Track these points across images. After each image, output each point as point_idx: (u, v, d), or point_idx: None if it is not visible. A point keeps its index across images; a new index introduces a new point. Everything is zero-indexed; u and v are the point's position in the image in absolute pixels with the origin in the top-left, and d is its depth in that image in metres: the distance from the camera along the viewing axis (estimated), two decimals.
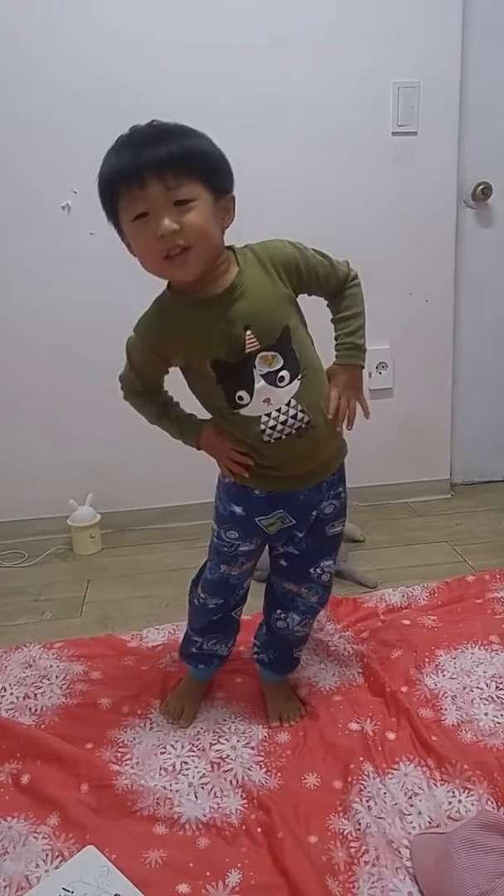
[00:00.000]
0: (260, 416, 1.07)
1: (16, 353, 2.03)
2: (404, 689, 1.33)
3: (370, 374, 2.20)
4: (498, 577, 1.75)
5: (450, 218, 2.12)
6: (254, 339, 1.03)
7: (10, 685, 1.40)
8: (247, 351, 1.03)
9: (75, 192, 1.91)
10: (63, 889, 0.97)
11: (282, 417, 1.07)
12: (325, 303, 1.16)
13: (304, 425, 1.09)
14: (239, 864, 1.01)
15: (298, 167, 1.97)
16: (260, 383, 1.05)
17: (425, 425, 2.29)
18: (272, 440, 1.08)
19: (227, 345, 1.03)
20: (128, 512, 2.16)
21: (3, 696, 1.37)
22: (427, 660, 1.41)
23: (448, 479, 2.37)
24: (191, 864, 1.01)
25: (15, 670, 1.45)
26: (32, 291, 1.97)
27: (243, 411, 1.07)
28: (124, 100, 1.86)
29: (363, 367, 1.16)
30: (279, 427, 1.07)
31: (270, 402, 1.06)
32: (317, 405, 1.10)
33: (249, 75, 1.87)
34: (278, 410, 1.06)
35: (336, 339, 1.15)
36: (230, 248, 1.07)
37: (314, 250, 1.11)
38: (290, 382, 1.06)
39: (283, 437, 1.08)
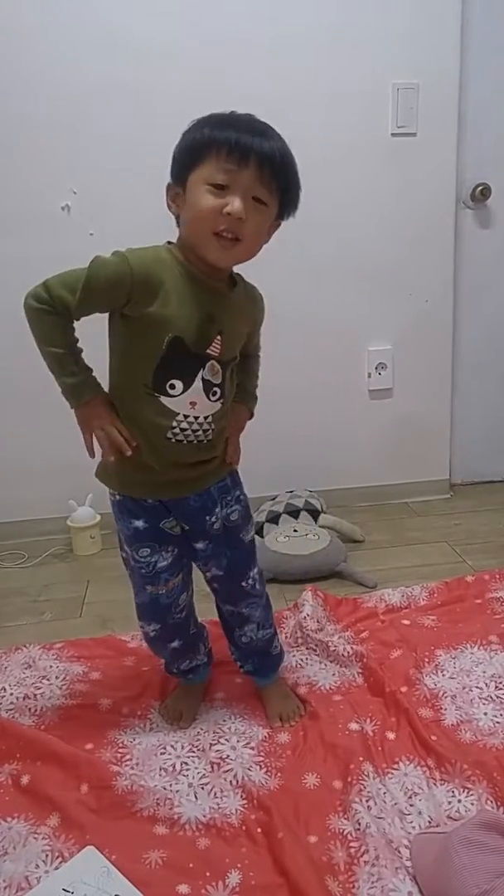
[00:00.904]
0: (177, 414, 1.06)
1: (15, 353, 2.02)
2: (404, 688, 1.33)
3: (369, 375, 2.20)
4: (497, 577, 1.75)
5: (449, 219, 2.12)
6: (218, 347, 1.05)
7: (9, 686, 1.40)
8: (207, 352, 1.04)
9: (75, 193, 1.92)
10: (63, 890, 0.97)
11: (194, 426, 1.08)
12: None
13: (205, 441, 1.10)
14: (239, 865, 1.01)
15: (298, 169, 1.96)
16: (198, 384, 1.05)
17: (425, 426, 2.29)
18: (173, 440, 1.07)
19: (198, 334, 1.03)
20: None
21: (2, 697, 1.37)
22: (427, 660, 1.41)
23: (447, 479, 2.38)
24: (191, 865, 1.01)
25: (15, 671, 1.45)
26: None
27: (164, 399, 1.04)
28: (124, 100, 1.87)
29: (251, 417, 1.26)
30: (188, 432, 1.08)
31: (195, 406, 1.06)
32: (223, 433, 1.15)
33: (249, 76, 1.87)
34: (195, 418, 1.07)
35: (242, 387, 1.21)
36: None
37: None
38: (217, 400, 1.09)
39: (185, 442, 1.08)
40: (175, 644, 1.28)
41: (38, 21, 1.79)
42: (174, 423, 1.06)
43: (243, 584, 1.24)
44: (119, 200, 1.91)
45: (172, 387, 1.04)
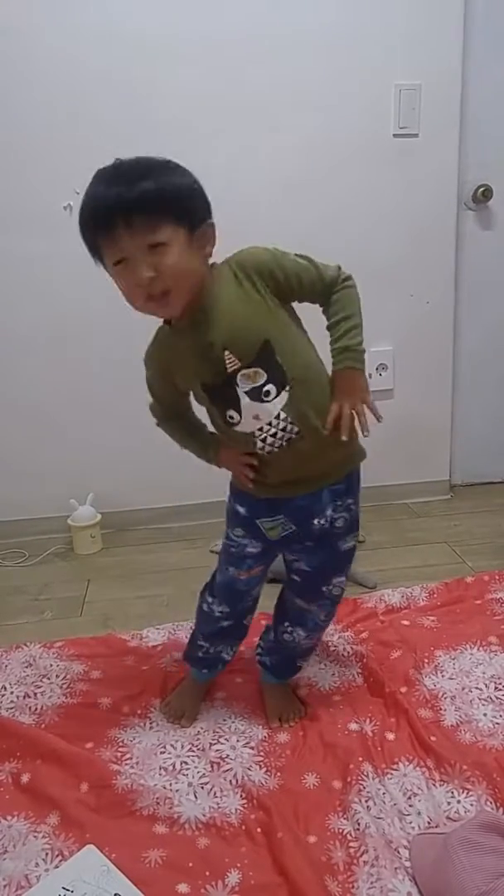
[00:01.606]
0: (253, 432, 1.08)
1: (17, 352, 2.03)
2: (403, 689, 1.34)
3: (370, 375, 2.20)
4: (497, 578, 1.75)
5: (450, 220, 2.12)
6: (233, 359, 1.03)
7: (10, 684, 1.40)
8: (228, 371, 1.04)
9: (77, 193, 1.90)
10: (63, 888, 0.97)
11: (272, 430, 1.07)
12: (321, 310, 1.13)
13: (293, 436, 1.08)
14: (238, 864, 1.01)
15: (299, 169, 1.97)
16: (245, 401, 1.05)
17: (425, 426, 2.29)
18: (265, 452, 1.09)
19: (210, 368, 1.04)
20: (128, 512, 2.16)
21: (3, 696, 1.37)
22: (426, 660, 1.42)
23: (448, 480, 2.38)
24: (190, 864, 1.01)
25: (15, 669, 1.45)
26: (35, 291, 1.97)
27: (237, 428, 1.08)
28: (126, 100, 1.87)
29: (358, 370, 1.08)
30: (270, 441, 1.08)
31: (259, 417, 1.06)
32: (306, 415, 1.07)
33: (250, 77, 1.87)
34: (269, 424, 1.06)
35: (332, 345, 1.09)
36: (212, 265, 1.06)
37: (297, 255, 1.07)
38: (276, 396, 1.05)
39: (276, 449, 1.08)
40: (226, 624, 1.30)
41: (42, 20, 1.79)
42: (256, 441, 1.09)
43: (324, 588, 1.23)
44: None
45: (232, 417, 1.08)
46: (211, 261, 1.06)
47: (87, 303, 1.95)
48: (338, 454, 1.12)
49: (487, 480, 2.43)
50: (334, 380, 1.09)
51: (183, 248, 0.97)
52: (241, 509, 1.19)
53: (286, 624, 1.29)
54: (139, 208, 0.93)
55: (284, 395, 1.05)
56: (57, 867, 1.01)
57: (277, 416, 1.06)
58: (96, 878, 0.99)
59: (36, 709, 1.34)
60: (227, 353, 1.03)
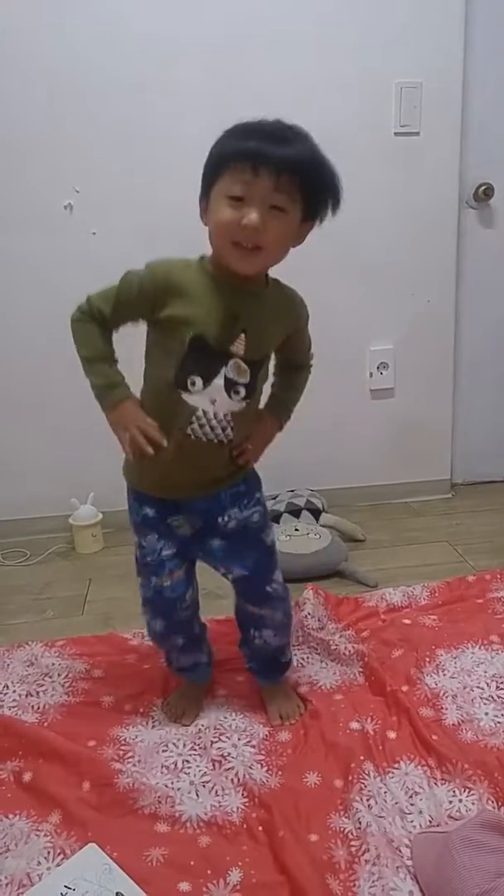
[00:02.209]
0: (196, 409, 1.08)
1: (17, 351, 2.03)
2: (405, 688, 1.34)
3: (371, 375, 2.20)
4: (498, 577, 1.75)
5: (452, 218, 2.12)
6: (242, 344, 1.06)
7: (12, 683, 1.40)
8: (231, 349, 1.05)
9: (77, 192, 1.92)
10: (65, 887, 0.97)
11: (213, 422, 1.09)
12: (274, 369, 1.22)
13: (225, 441, 1.11)
14: (240, 863, 1.01)
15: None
16: (218, 381, 1.06)
17: (426, 425, 2.29)
18: (193, 437, 1.09)
19: (219, 331, 1.05)
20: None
21: (5, 694, 1.37)
22: (428, 659, 1.42)
23: (449, 479, 2.38)
24: (192, 863, 1.01)
25: (17, 668, 1.45)
26: (35, 290, 1.97)
27: (185, 395, 1.07)
28: (126, 99, 1.87)
29: (280, 426, 1.24)
30: (206, 429, 1.09)
31: (215, 403, 1.08)
32: (243, 429, 1.13)
33: (252, 75, 1.87)
34: (214, 415, 1.08)
35: (277, 397, 1.23)
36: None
37: None
38: (241, 400, 1.09)
39: (204, 439, 1.09)
40: (179, 640, 1.28)
41: (42, 19, 1.79)
42: (193, 419, 1.08)
43: (268, 588, 1.24)
44: (121, 199, 1.91)
45: (193, 383, 1.06)
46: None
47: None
48: (228, 467, 1.17)
49: (488, 479, 2.43)
50: (264, 420, 1.21)
51: (291, 226, 1.02)
52: (149, 511, 1.18)
53: (251, 631, 1.30)
54: (296, 173, 0.97)
55: (243, 404, 1.10)
56: (59, 866, 1.01)
57: (225, 415, 1.09)
58: (98, 876, 0.99)
59: (38, 707, 1.34)
60: (243, 335, 1.05)
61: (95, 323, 1.09)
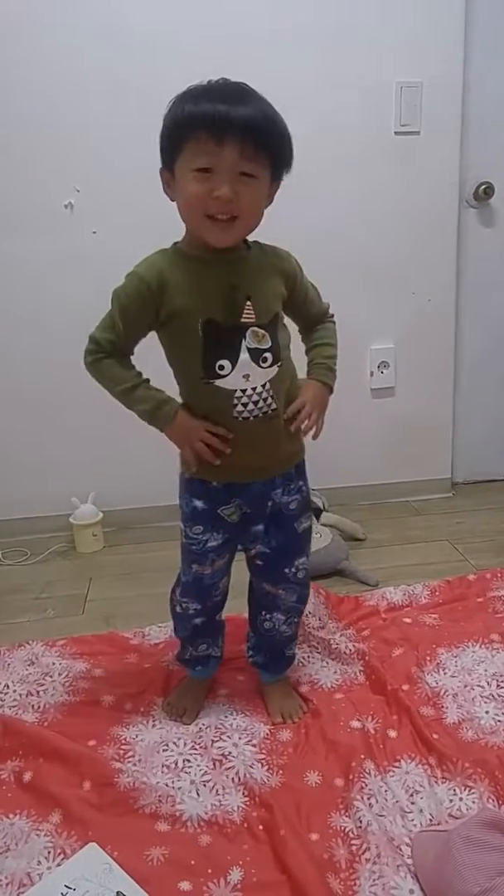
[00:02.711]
0: (235, 391, 1.07)
1: (18, 350, 2.03)
2: (405, 687, 1.34)
3: (371, 374, 2.20)
4: (499, 575, 1.75)
5: (452, 217, 2.12)
6: (251, 312, 1.05)
7: (12, 682, 1.40)
8: (242, 320, 1.05)
9: (78, 191, 1.92)
10: (65, 886, 0.97)
11: (254, 397, 1.08)
12: (300, 335, 1.21)
13: (270, 411, 1.10)
14: (240, 862, 1.01)
15: (301, 166, 1.94)
16: (244, 356, 1.05)
17: (427, 424, 2.29)
18: (241, 418, 1.08)
19: (226, 307, 1.04)
20: (130, 510, 2.16)
21: (5, 694, 1.37)
22: (428, 658, 1.42)
23: (449, 477, 2.38)
24: (192, 862, 1.01)
25: (18, 668, 1.45)
26: (35, 289, 1.97)
27: (219, 382, 1.06)
28: (128, 97, 1.87)
29: (329, 387, 1.18)
30: (250, 406, 1.08)
31: (249, 378, 1.06)
32: (282, 397, 1.12)
33: (251, 73, 1.82)
34: (253, 389, 1.07)
35: (312, 359, 1.19)
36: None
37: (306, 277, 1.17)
38: (270, 366, 1.08)
39: (252, 417, 1.09)
40: (198, 621, 1.29)
41: (41, 17, 1.79)
42: (235, 402, 1.07)
43: (286, 570, 1.24)
44: (122, 198, 1.91)
45: (222, 368, 1.05)
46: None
47: (90, 301, 1.94)
48: (289, 447, 1.17)
49: (489, 478, 2.43)
50: (310, 386, 1.16)
51: (262, 189, 1.02)
52: (199, 503, 1.17)
53: (263, 613, 1.30)
54: (259, 137, 0.95)
55: (275, 369, 1.09)
56: (59, 865, 1.01)
57: (263, 385, 1.08)
58: (98, 876, 0.99)
59: (38, 707, 1.34)
60: (248, 303, 1.04)
61: (109, 356, 1.09)
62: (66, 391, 2.05)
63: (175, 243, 1.10)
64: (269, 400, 1.09)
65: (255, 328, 1.05)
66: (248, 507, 1.19)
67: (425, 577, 1.78)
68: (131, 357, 1.12)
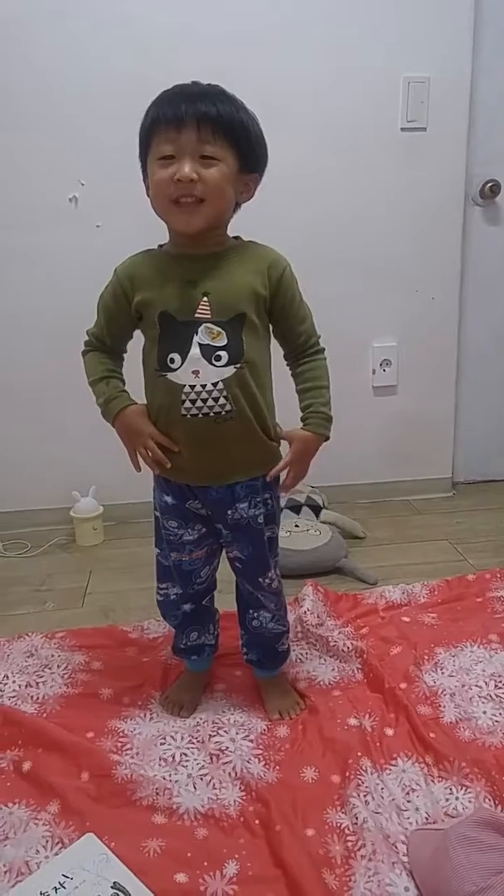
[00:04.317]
0: (183, 386, 1.07)
1: (20, 344, 2.03)
2: (403, 685, 1.34)
3: (374, 371, 2.20)
4: (498, 576, 1.75)
5: (457, 215, 2.11)
6: (207, 308, 1.06)
7: (12, 673, 1.41)
8: (195, 315, 1.05)
9: (82, 185, 1.91)
10: (63, 875, 0.98)
11: (203, 395, 1.07)
12: (286, 363, 1.18)
13: (223, 412, 1.09)
14: (237, 855, 1.02)
15: (306, 161, 1.96)
16: (194, 351, 1.06)
17: (428, 423, 2.29)
18: (189, 415, 1.09)
19: (180, 301, 1.06)
20: (130, 504, 2.16)
21: (5, 685, 1.38)
22: (426, 657, 1.42)
23: (450, 477, 2.38)
24: (189, 854, 1.02)
25: (17, 659, 1.46)
26: (39, 283, 1.97)
27: (170, 375, 1.08)
28: (132, 92, 1.84)
29: (323, 436, 1.16)
30: (199, 403, 1.08)
31: (199, 374, 1.06)
32: (244, 402, 1.09)
33: (257, 69, 1.86)
34: (202, 387, 1.07)
35: (307, 406, 1.16)
36: (236, 237, 1.13)
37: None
38: (225, 365, 1.07)
39: (201, 415, 1.08)
40: (187, 608, 1.30)
41: (47, 11, 1.78)
42: (183, 397, 1.08)
43: (260, 579, 1.25)
44: (126, 192, 1.87)
45: (172, 361, 1.07)
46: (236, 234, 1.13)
47: (92, 296, 1.94)
48: (250, 451, 1.14)
49: (490, 478, 2.43)
50: (297, 436, 1.15)
51: (228, 175, 1.02)
52: (168, 498, 1.20)
53: (250, 611, 1.30)
54: (215, 121, 0.99)
55: (232, 369, 1.07)
56: (57, 854, 1.02)
57: (215, 385, 1.07)
58: (96, 866, 0.99)
59: (37, 698, 1.34)
60: (204, 299, 1.05)
61: (94, 349, 1.17)
62: (68, 384, 2.05)
63: (161, 244, 1.13)
64: (223, 401, 1.08)
65: (210, 325, 1.05)
66: (208, 510, 1.20)
67: (424, 576, 1.78)
68: (123, 355, 1.19)
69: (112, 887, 0.96)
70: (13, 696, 1.34)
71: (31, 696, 1.35)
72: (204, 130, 0.98)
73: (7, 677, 1.40)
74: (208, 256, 1.08)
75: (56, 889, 0.96)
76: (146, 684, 1.39)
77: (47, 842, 1.04)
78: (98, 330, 1.16)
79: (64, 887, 0.96)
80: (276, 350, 1.18)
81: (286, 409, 1.21)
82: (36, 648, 1.49)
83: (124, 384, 1.18)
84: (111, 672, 1.43)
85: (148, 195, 1.07)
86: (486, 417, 2.37)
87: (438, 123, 2.00)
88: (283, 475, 1.18)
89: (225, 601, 1.39)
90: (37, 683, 1.38)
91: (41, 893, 0.96)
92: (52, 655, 1.47)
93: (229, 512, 1.18)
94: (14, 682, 1.38)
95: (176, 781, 1.15)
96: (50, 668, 1.42)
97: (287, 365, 1.19)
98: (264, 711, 1.31)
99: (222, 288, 1.06)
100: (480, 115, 2.05)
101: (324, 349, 1.18)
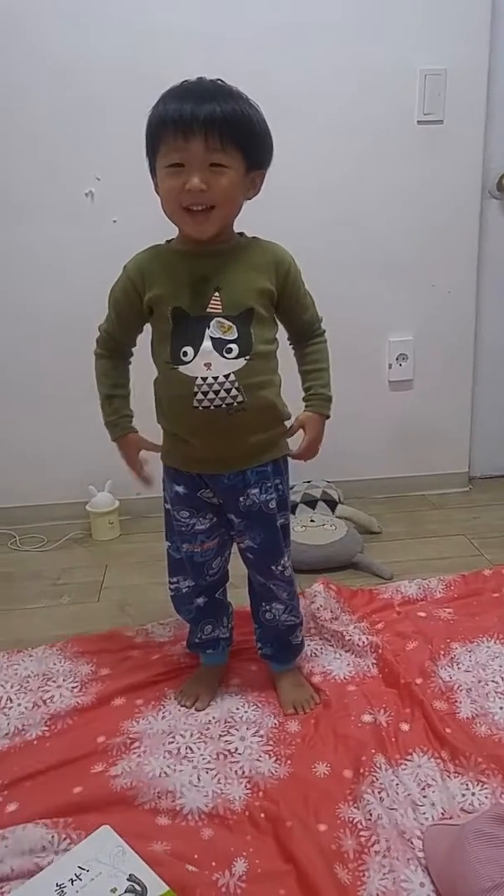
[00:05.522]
0: (196, 378, 1.09)
1: (37, 338, 2.04)
2: (419, 680, 1.33)
3: (390, 366, 2.19)
4: None
5: (474, 208, 2.09)
6: (218, 303, 1.08)
7: (16, 695, 1.34)
8: (208, 310, 1.07)
9: (98, 179, 1.92)
10: (78, 867, 0.98)
11: (216, 387, 1.09)
12: (292, 349, 1.24)
13: (235, 403, 1.11)
14: (244, 853, 1.00)
15: (322, 155, 1.95)
16: (206, 344, 1.08)
17: (444, 418, 2.27)
18: (201, 407, 1.10)
19: (193, 297, 1.08)
20: (146, 499, 2.15)
21: (10, 708, 1.31)
22: (442, 652, 1.41)
23: (466, 472, 2.36)
24: (196, 856, 1.00)
25: (20, 672, 1.41)
26: (55, 278, 1.98)
27: (182, 368, 1.09)
28: (148, 87, 1.84)
29: (326, 416, 1.25)
30: (211, 396, 1.09)
31: (210, 367, 1.08)
32: (255, 392, 1.12)
33: (273, 63, 1.85)
34: (214, 378, 1.09)
35: (309, 388, 1.23)
36: (240, 233, 1.15)
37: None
38: (236, 357, 1.09)
39: (213, 407, 1.10)
40: (200, 601, 1.31)
41: (63, 8, 1.79)
42: (195, 389, 1.09)
43: (272, 567, 1.26)
44: (143, 187, 1.88)
45: (185, 354, 1.09)
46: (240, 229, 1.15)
47: (108, 291, 1.95)
48: (262, 438, 1.17)
49: None
50: (312, 421, 1.23)
51: (237, 179, 1.04)
52: (179, 488, 1.21)
53: (263, 604, 1.31)
54: (221, 126, 0.99)
55: (242, 362, 1.10)
56: (66, 850, 1.00)
57: (227, 377, 1.09)
58: (112, 858, 0.99)
59: (47, 716, 1.28)
60: (217, 294, 1.07)
61: (109, 354, 1.21)
62: (84, 380, 2.06)
63: (168, 240, 1.15)
64: (235, 392, 1.10)
65: (221, 319, 1.08)
66: (220, 498, 1.21)
67: (441, 571, 1.77)
68: (133, 349, 1.21)
69: (128, 879, 0.96)
70: (20, 718, 1.28)
71: (41, 716, 1.28)
72: (211, 139, 0.99)
73: (11, 699, 1.33)
74: (217, 253, 1.10)
75: (72, 881, 0.96)
76: (159, 682, 1.37)
77: (53, 837, 1.01)
78: (109, 325, 1.19)
79: (80, 879, 0.96)
80: (281, 332, 1.21)
81: (286, 388, 1.24)
82: (38, 660, 1.43)
83: (129, 394, 1.22)
84: (119, 675, 1.39)
85: (157, 193, 1.08)
86: (502, 411, 2.35)
87: (455, 116, 1.98)
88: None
89: (240, 596, 1.38)
90: (44, 701, 1.32)
91: (57, 885, 0.95)
92: (57, 668, 1.41)
93: (241, 499, 1.19)
94: (20, 704, 1.32)
95: (179, 780, 1.12)
96: (55, 682, 1.37)
97: (290, 346, 1.25)
98: (278, 706, 1.31)
99: (232, 284, 1.09)
100: (498, 107, 2.02)
101: (324, 331, 1.25)
